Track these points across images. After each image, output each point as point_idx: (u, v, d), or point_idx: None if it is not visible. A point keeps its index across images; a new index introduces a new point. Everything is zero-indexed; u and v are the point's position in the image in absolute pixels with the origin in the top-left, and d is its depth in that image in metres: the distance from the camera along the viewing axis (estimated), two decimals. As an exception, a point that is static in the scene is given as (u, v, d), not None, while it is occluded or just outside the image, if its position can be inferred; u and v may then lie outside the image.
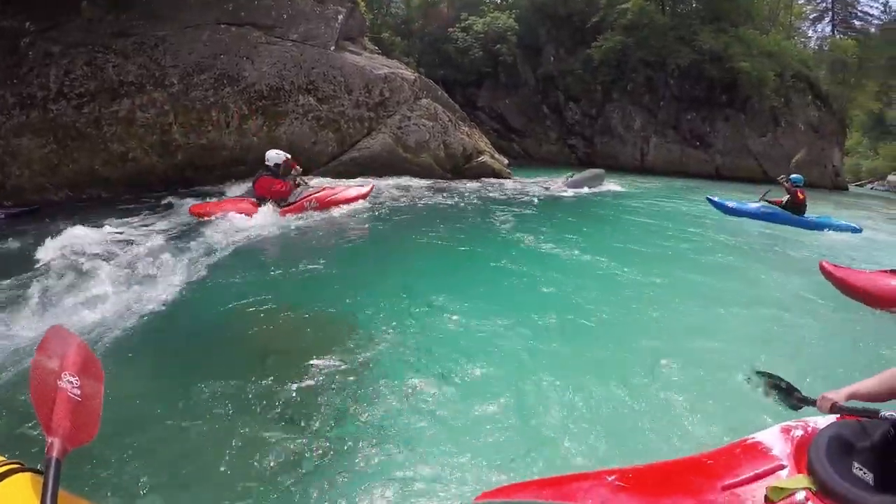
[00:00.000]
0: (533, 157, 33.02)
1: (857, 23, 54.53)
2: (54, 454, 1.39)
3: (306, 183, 10.36)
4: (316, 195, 9.98)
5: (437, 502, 2.68)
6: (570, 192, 16.49)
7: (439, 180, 16.01)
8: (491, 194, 14.48)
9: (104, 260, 6.07)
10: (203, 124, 11.71)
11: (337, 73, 14.21)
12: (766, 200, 12.04)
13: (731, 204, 12.50)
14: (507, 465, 2.91)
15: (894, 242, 11.75)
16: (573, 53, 35.06)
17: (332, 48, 14.33)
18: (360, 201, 10.69)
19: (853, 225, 11.82)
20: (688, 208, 14.03)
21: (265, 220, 8.73)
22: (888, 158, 59.59)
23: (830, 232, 11.37)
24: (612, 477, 2.11)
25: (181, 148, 11.42)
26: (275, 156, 9.55)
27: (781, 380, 2.94)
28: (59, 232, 6.81)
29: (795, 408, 2.73)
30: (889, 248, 10.89)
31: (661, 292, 6.34)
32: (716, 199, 12.84)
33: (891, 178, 57.21)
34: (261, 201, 9.16)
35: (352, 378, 3.81)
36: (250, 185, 9.74)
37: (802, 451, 2.05)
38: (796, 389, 2.81)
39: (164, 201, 9.96)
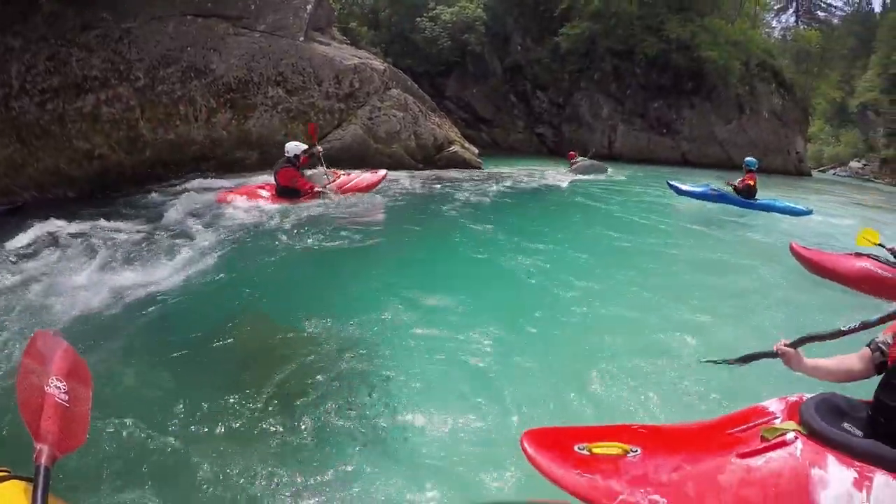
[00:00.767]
0: (501, 146, 33.08)
1: (820, 13, 55.84)
2: (43, 461, 1.37)
3: (327, 171, 10.80)
4: (333, 183, 10.52)
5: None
6: (567, 181, 17.63)
7: (436, 171, 16.46)
8: (492, 186, 14.63)
9: (93, 257, 5.96)
10: (171, 119, 11.45)
11: (306, 65, 14.01)
12: (729, 183, 12.49)
13: (684, 187, 13.08)
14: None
15: (851, 225, 12.02)
16: (540, 42, 35.16)
17: (301, 39, 14.10)
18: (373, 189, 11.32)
19: (801, 207, 12.27)
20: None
21: (282, 208, 9.28)
22: (849, 145, 61.39)
23: (784, 215, 11.94)
24: (643, 430, 2.59)
25: (149, 144, 11.15)
26: (294, 147, 9.90)
27: (739, 360, 3.14)
28: (44, 229, 6.85)
29: (750, 359, 3.06)
30: (842, 230, 11.17)
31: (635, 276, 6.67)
32: (674, 182, 13.41)
33: (852, 164, 58.82)
34: (281, 190, 9.68)
35: (349, 373, 3.81)
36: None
37: (795, 409, 2.40)
38: (753, 356, 3.03)
39: (141, 197, 9.81)
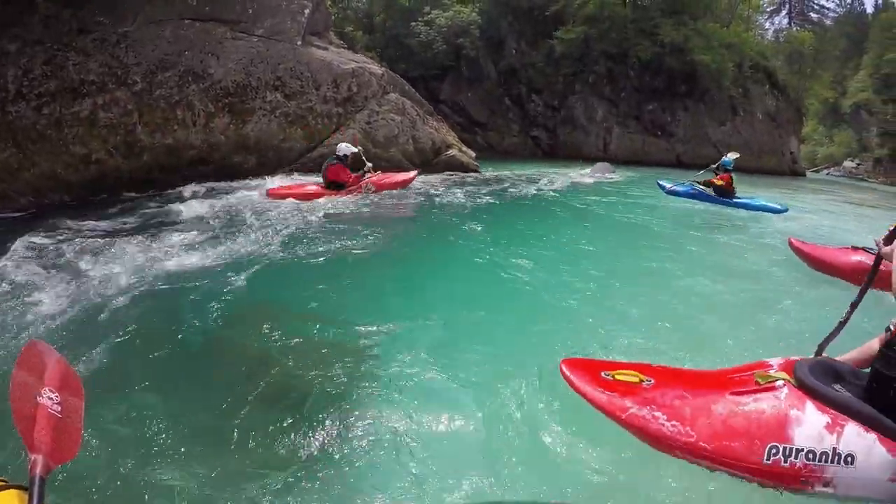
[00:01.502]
0: (496, 150, 33.08)
1: (813, 15, 56.31)
2: (38, 471, 1.38)
3: (366, 169, 11.85)
4: (371, 179, 11.70)
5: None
6: (590, 180, 19.67)
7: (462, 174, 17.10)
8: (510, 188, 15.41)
9: (88, 262, 5.87)
10: (168, 123, 11.30)
11: (304, 69, 13.92)
12: (697, 182, 13.52)
13: (668, 186, 14.03)
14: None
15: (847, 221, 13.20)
16: (535, 46, 35.26)
17: (299, 43, 14.03)
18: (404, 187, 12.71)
19: (776, 206, 12.80)
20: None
21: (328, 202, 10.39)
22: (842, 145, 61.88)
23: (760, 212, 12.63)
24: (660, 368, 3.17)
25: (146, 148, 10.99)
26: (345, 147, 11.18)
27: None
28: (58, 234, 6.89)
29: None
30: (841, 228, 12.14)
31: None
32: (661, 182, 14.42)
33: (846, 164, 59.27)
34: (329, 185, 10.89)
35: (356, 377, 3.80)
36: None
37: (791, 365, 2.91)
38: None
39: (139, 202, 9.72)
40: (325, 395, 3.54)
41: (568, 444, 3.11)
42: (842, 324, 3.13)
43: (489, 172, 18.79)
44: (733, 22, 41.33)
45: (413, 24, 31.64)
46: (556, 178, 19.24)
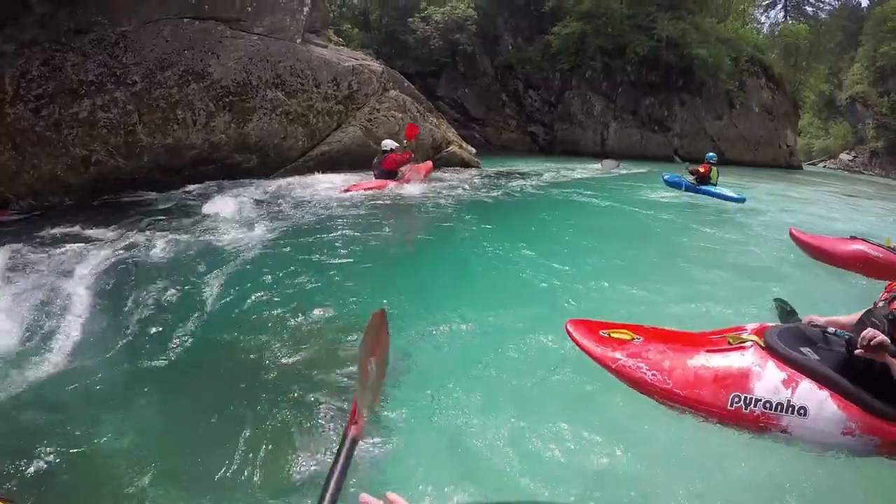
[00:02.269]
0: (493, 145, 33.00)
1: (808, 8, 56.44)
2: (352, 434, 1.66)
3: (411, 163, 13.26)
4: (414, 168, 13.28)
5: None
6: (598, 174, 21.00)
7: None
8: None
9: (92, 263, 5.77)
10: (169, 123, 11.09)
11: (304, 67, 13.76)
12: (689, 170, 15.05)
13: (666, 176, 15.68)
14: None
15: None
16: (531, 42, 35.21)
17: (298, 41, 13.87)
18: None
19: (735, 195, 13.95)
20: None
21: (392, 190, 12.02)
22: (839, 138, 62.22)
23: (723, 201, 13.86)
24: (650, 328, 3.73)
25: (147, 149, 10.78)
26: (389, 142, 12.79)
27: (789, 305, 4.54)
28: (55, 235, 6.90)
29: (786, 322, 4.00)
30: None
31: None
32: (664, 174, 15.94)
33: (842, 156, 59.51)
34: (386, 175, 12.42)
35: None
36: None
37: (763, 330, 3.40)
38: (796, 314, 4.28)
39: (140, 204, 9.61)
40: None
41: (571, 392, 3.59)
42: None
43: (492, 168, 18.72)
44: (730, 16, 41.35)
45: (409, 20, 31.49)
46: (561, 172, 19.73)
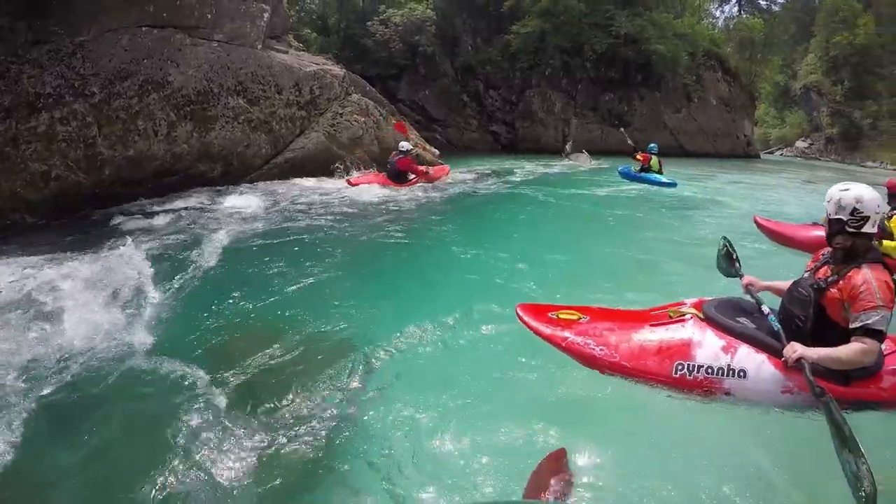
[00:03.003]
0: (456, 146, 33.01)
1: (762, 2, 57.84)
2: None
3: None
4: (425, 174, 14.50)
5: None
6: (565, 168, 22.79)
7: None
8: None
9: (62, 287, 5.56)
10: (129, 135, 10.85)
11: (266, 73, 13.65)
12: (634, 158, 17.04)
13: (620, 168, 17.38)
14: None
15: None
16: (490, 42, 35.37)
17: (259, 47, 13.74)
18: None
19: (668, 181, 15.84)
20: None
21: (400, 191, 13.02)
22: (794, 126, 64.46)
23: (654, 186, 15.75)
24: (596, 308, 3.97)
25: (108, 162, 10.53)
26: (406, 144, 14.00)
27: (735, 250, 4.42)
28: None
29: (727, 273, 4.39)
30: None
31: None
32: (619, 168, 17.60)
33: (798, 144, 61.49)
34: (397, 176, 13.50)
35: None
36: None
37: (702, 302, 3.71)
38: (737, 262, 4.31)
39: (103, 219, 9.46)
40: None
41: (522, 369, 3.91)
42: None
43: (456, 169, 18.76)
44: (685, 12, 42.15)
45: (368, 23, 31.40)
46: (526, 168, 20.79)
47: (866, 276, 3.02)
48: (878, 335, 2.98)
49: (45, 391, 3.62)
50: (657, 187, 15.65)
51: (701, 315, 3.55)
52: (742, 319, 3.53)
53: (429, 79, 34.26)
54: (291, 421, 3.39)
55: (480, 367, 4.04)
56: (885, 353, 3.27)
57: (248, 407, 3.54)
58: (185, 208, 10.24)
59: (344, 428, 3.33)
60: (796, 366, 3.05)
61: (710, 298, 3.77)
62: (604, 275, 6.55)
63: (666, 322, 3.56)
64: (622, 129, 17.47)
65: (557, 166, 22.06)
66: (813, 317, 3.21)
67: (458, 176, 17.06)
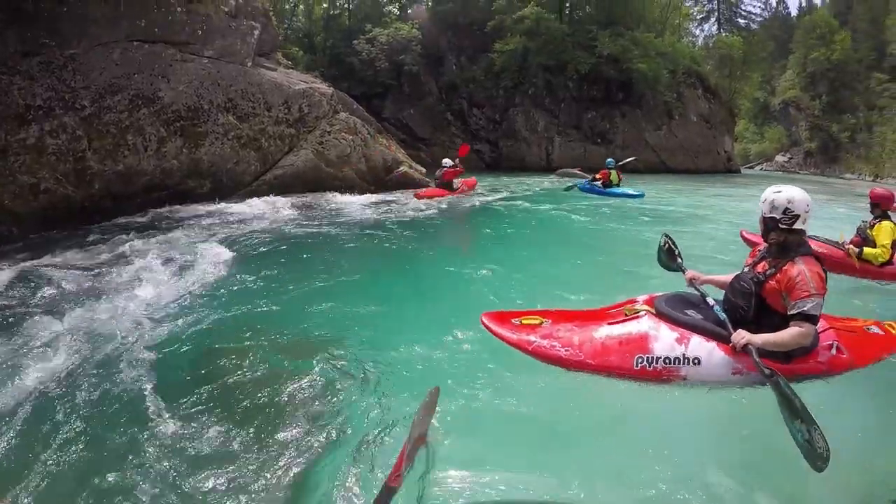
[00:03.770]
0: (440, 165, 33.03)
1: (740, 21, 59.13)
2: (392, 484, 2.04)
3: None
4: (464, 183, 17.67)
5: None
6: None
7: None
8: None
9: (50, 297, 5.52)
10: (119, 149, 10.84)
11: (255, 90, 13.67)
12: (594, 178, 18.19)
13: (579, 184, 18.81)
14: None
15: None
16: (475, 61, 35.70)
17: (249, 64, 13.77)
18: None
19: (634, 192, 17.11)
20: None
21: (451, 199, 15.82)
22: (774, 141, 66.29)
23: (623, 198, 16.70)
24: (555, 311, 4.04)
25: (97, 175, 10.49)
26: (448, 161, 17.01)
27: (677, 247, 4.79)
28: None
29: (668, 268, 4.83)
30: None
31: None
32: (578, 183, 18.93)
33: (778, 158, 62.95)
34: (446, 185, 16.42)
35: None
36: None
37: (653, 298, 3.98)
38: (679, 257, 4.72)
39: (89, 234, 9.29)
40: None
41: (494, 376, 4.07)
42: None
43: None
44: (666, 31, 42.99)
45: (355, 42, 31.57)
46: (510, 188, 20.86)
47: (801, 268, 3.39)
48: (813, 319, 3.35)
49: (23, 410, 3.58)
50: (625, 199, 16.66)
51: (653, 311, 3.82)
52: (690, 312, 3.83)
53: (413, 97, 34.49)
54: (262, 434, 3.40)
55: (454, 374, 4.18)
56: (819, 331, 3.72)
57: (229, 420, 3.54)
58: (178, 223, 10.15)
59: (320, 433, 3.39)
60: (744, 351, 3.43)
61: (660, 294, 4.07)
62: (568, 280, 6.83)
63: (623, 319, 3.78)
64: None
65: (540, 184, 22.12)
66: (755, 306, 3.59)
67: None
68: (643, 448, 3.29)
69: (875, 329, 4.23)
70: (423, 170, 20.00)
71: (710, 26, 60.77)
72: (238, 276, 6.78)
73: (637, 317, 3.76)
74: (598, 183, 17.55)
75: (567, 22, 35.10)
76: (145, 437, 3.31)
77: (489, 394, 3.85)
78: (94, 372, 4.11)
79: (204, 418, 3.51)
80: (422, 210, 13.59)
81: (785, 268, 3.47)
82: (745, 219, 12.11)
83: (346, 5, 38.20)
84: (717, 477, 3.07)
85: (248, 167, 13.46)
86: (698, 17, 60.68)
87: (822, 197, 22.25)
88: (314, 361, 4.30)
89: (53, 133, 9.98)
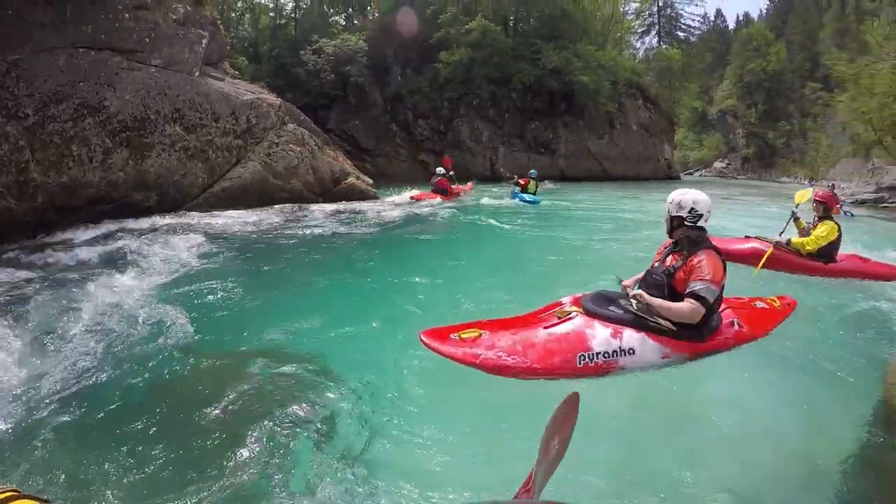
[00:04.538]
0: (385, 176, 33.17)
1: (680, 34, 61.14)
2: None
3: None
4: (457, 190, 20.32)
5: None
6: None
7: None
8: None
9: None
10: (63, 160, 10.52)
11: (203, 101, 13.49)
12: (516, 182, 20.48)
13: (511, 191, 20.43)
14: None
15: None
16: (420, 72, 35.95)
17: (196, 74, 13.58)
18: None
19: (530, 199, 19.32)
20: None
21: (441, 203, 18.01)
22: (712, 148, 69.42)
23: (526, 203, 18.99)
24: (490, 322, 4.19)
25: (40, 188, 10.15)
26: (441, 169, 19.64)
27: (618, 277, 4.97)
28: None
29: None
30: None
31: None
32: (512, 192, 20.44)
33: (716, 164, 65.67)
34: (440, 191, 18.91)
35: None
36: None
37: (579, 299, 4.31)
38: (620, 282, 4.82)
39: (33, 249, 9.04)
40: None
41: (442, 394, 4.12)
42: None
43: (389, 198, 18.91)
44: (608, 44, 44.21)
45: (301, 52, 31.40)
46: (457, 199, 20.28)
47: (701, 259, 3.98)
48: (704, 301, 3.86)
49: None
50: (535, 204, 19.00)
51: (582, 310, 4.13)
52: (613, 308, 4.21)
53: (359, 108, 34.52)
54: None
55: (389, 393, 4.16)
56: (722, 310, 4.41)
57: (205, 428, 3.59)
58: (123, 238, 9.91)
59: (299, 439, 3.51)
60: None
61: (582, 294, 4.42)
62: (494, 287, 7.20)
63: (557, 322, 4.03)
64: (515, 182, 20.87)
65: (485, 196, 22.34)
66: (668, 296, 4.04)
67: (378, 206, 17.13)
68: (590, 437, 3.23)
69: (761, 304, 5.01)
70: (370, 181, 19.97)
71: (651, 39, 62.69)
72: (184, 290, 6.70)
73: (570, 318, 4.05)
74: (518, 188, 19.96)
75: (512, 35, 35.69)
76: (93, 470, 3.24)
77: (434, 409, 3.93)
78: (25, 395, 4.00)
79: (142, 449, 3.43)
80: (368, 221, 13.78)
81: (690, 259, 4.04)
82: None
83: (292, 15, 38.15)
84: (658, 458, 3.41)
85: (196, 179, 13.26)
86: (639, 31, 62.57)
87: (758, 199, 23.66)
88: (258, 372, 4.37)
89: (-6, 143, 9.64)
